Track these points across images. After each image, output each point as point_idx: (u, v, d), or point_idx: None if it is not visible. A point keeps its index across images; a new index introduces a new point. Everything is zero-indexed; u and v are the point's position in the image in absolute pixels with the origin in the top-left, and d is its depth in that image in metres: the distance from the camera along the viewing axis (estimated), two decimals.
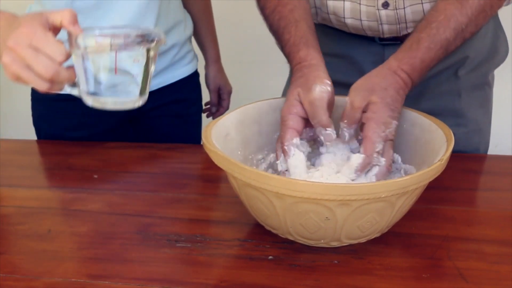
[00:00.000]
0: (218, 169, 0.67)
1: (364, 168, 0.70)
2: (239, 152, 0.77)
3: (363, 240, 0.69)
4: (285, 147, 0.72)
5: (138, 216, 0.78)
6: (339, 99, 0.80)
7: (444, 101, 0.96)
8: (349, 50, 0.97)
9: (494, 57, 0.99)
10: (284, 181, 0.61)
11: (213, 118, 1.36)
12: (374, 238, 0.69)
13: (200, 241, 0.72)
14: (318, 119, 0.71)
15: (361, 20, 0.89)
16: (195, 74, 1.24)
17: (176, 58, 1.16)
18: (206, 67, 1.33)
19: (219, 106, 1.37)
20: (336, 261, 0.67)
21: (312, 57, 0.77)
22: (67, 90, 0.70)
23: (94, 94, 0.69)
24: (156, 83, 1.14)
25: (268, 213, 0.66)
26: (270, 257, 0.68)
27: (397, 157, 0.78)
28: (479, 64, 0.97)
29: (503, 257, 0.68)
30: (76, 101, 1.10)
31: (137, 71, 0.69)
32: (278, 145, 0.74)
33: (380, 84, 0.72)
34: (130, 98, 0.71)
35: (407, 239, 0.71)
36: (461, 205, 0.80)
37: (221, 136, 0.73)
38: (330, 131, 0.72)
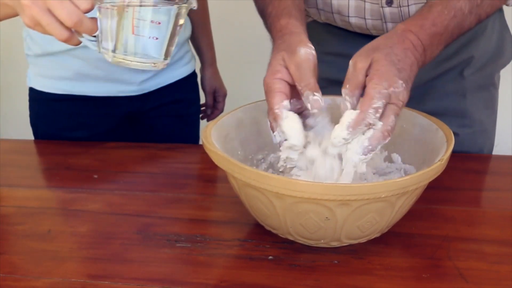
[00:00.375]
0: (218, 169, 0.67)
1: (357, 124, 0.63)
2: (239, 152, 0.77)
3: (363, 240, 0.69)
4: (276, 111, 0.66)
5: (138, 216, 0.78)
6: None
7: (449, 101, 0.96)
8: (353, 50, 0.97)
9: (500, 58, 0.99)
10: (284, 181, 0.61)
11: (208, 121, 1.37)
12: (374, 238, 0.69)
13: (200, 241, 0.72)
14: (306, 82, 0.66)
15: (365, 18, 0.89)
16: (193, 75, 1.24)
17: (175, 58, 1.16)
18: (202, 69, 1.34)
19: (214, 108, 1.38)
20: (336, 261, 0.67)
21: (294, 25, 0.73)
22: (87, 43, 0.66)
23: (114, 51, 0.65)
24: (155, 83, 1.14)
25: (268, 213, 0.66)
26: (270, 257, 0.68)
27: (397, 157, 0.78)
28: (485, 65, 0.97)
29: (503, 257, 0.68)
30: (75, 101, 1.11)
31: (161, 33, 0.65)
32: (269, 117, 0.68)
33: (385, 43, 0.67)
34: (151, 60, 0.67)
35: (407, 239, 0.71)
36: (461, 205, 0.80)
37: (221, 136, 0.73)
38: (318, 96, 0.66)
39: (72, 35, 0.63)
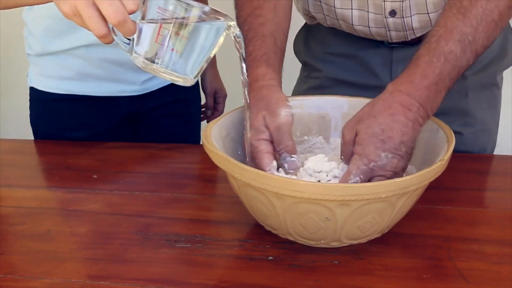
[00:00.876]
0: (218, 169, 0.67)
1: None
2: (239, 152, 0.76)
3: (363, 240, 0.68)
4: (268, 173, 0.69)
5: (138, 216, 0.78)
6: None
7: (451, 100, 0.95)
8: (358, 51, 0.97)
9: (503, 58, 0.98)
10: (284, 181, 0.61)
11: (208, 122, 1.37)
12: (374, 238, 0.69)
13: (200, 241, 0.71)
14: (284, 145, 0.70)
15: (369, 27, 0.89)
16: None
17: None
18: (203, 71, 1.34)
19: (214, 109, 1.38)
20: (336, 262, 0.67)
21: (270, 77, 0.75)
22: (120, 44, 0.64)
23: (149, 59, 0.64)
24: (156, 83, 1.14)
25: (268, 213, 0.66)
26: (270, 257, 0.68)
27: None
28: (487, 65, 0.96)
29: (504, 257, 0.68)
30: (76, 101, 1.10)
31: (200, 52, 0.64)
32: None
33: (369, 112, 0.67)
34: (182, 76, 0.65)
35: (407, 240, 0.71)
36: (462, 205, 0.80)
37: (221, 136, 0.73)
38: (295, 158, 0.71)
39: (109, 33, 0.62)
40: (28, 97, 1.16)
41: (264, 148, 0.71)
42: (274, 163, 0.71)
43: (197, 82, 1.27)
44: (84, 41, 1.05)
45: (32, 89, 1.14)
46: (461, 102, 0.96)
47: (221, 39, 0.64)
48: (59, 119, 1.12)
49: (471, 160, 0.93)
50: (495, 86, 1.00)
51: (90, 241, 0.72)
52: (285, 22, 0.83)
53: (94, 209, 0.80)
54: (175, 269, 0.67)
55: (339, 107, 0.82)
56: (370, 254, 0.68)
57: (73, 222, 0.77)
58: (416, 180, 0.62)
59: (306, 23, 1.06)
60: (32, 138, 1.15)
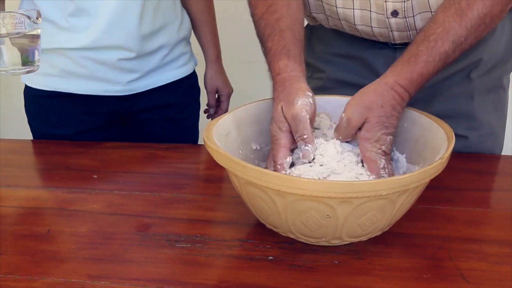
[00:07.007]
0: (218, 169, 0.67)
1: None
2: (240, 151, 0.76)
3: (364, 238, 0.68)
4: (279, 166, 0.70)
5: (138, 216, 0.77)
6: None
7: (457, 104, 0.95)
8: (361, 52, 0.97)
9: (509, 60, 0.97)
10: (285, 179, 0.61)
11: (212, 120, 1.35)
12: (374, 238, 0.69)
13: (200, 241, 0.71)
14: (300, 133, 0.70)
15: (371, 26, 0.89)
16: (191, 77, 1.21)
17: (166, 60, 1.14)
18: (205, 67, 1.30)
19: (217, 108, 1.32)
20: (336, 262, 0.67)
21: (292, 68, 0.75)
22: None
23: None
24: (143, 85, 1.12)
25: (269, 211, 0.66)
26: (270, 257, 0.68)
27: (402, 157, 0.77)
28: (493, 67, 0.95)
29: (504, 258, 0.68)
30: (61, 98, 1.10)
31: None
32: (269, 161, 0.73)
33: (377, 102, 0.72)
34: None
35: (407, 240, 0.71)
36: (462, 205, 0.79)
37: (222, 135, 0.73)
38: (310, 147, 0.70)
39: None
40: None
41: (283, 142, 0.71)
42: (289, 159, 0.71)
43: (196, 84, 1.25)
44: (67, 45, 1.05)
45: (25, 87, 1.15)
46: (467, 106, 0.95)
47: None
48: (46, 116, 1.13)
49: (471, 160, 0.93)
50: (501, 88, 0.99)
51: (90, 241, 0.72)
52: (300, 14, 0.84)
53: (94, 209, 0.80)
54: (175, 269, 0.67)
55: (340, 107, 0.82)
56: (370, 254, 0.68)
57: (73, 222, 0.77)
58: (417, 177, 0.62)
59: (308, 24, 1.06)
60: (32, 138, 1.15)
